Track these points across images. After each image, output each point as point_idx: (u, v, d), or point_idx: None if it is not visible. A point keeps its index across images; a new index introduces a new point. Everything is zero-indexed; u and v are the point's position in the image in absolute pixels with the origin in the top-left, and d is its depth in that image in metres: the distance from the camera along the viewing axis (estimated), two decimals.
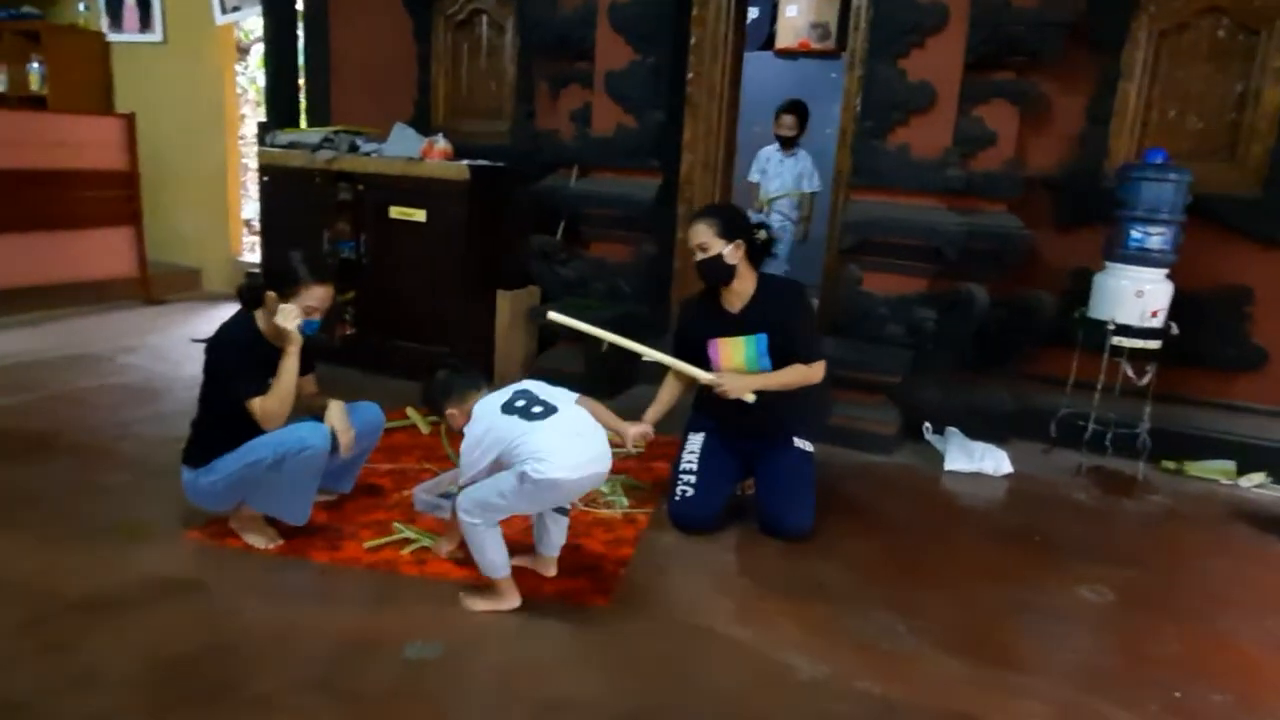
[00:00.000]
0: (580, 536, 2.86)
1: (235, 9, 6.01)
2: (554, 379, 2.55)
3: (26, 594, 2.34)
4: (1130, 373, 3.70)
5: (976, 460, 3.72)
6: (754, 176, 5.71)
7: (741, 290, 2.99)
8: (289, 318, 2.54)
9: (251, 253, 6.61)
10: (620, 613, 2.47)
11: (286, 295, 2.55)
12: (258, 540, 2.65)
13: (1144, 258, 3.61)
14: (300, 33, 5.58)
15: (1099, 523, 3.37)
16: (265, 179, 4.63)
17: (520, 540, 2.65)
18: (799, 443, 3.11)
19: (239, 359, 2.56)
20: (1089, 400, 3.85)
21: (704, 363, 3.04)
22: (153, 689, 1.99)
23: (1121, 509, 3.52)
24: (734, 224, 2.92)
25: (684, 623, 2.43)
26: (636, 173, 4.60)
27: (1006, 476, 3.71)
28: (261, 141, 4.92)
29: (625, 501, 3.17)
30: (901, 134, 4.04)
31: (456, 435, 2.54)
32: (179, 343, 5.01)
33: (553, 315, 3.10)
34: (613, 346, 3.08)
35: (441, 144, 4.34)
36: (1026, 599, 2.72)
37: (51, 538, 2.65)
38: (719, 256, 2.90)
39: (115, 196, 5.74)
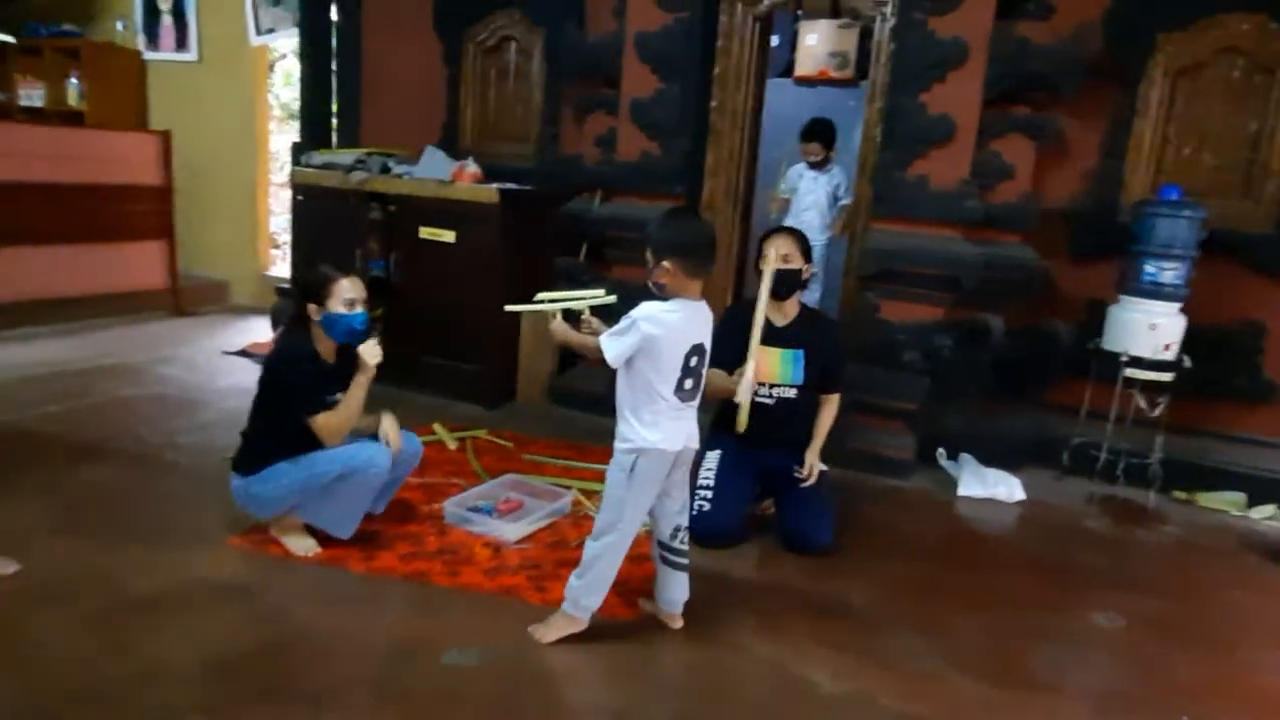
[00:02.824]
0: None
1: (270, 31, 6.18)
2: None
3: (91, 593, 2.46)
4: (1143, 404, 3.78)
5: (990, 486, 3.80)
6: (784, 191, 5.68)
7: (788, 309, 3.20)
8: (370, 354, 2.75)
9: (278, 267, 6.73)
10: (647, 625, 2.55)
11: (322, 299, 2.68)
12: (298, 546, 2.76)
13: (1157, 292, 3.70)
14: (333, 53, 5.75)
15: (1111, 551, 3.44)
16: (299, 198, 4.75)
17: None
18: (819, 463, 3.20)
19: (299, 377, 2.69)
20: (1101, 430, 3.93)
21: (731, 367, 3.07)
22: (210, 685, 2.09)
23: (1133, 538, 3.59)
24: (807, 247, 3.19)
25: (709, 636, 2.51)
26: (660, 197, 4.71)
27: (1019, 503, 3.79)
28: (296, 161, 5.06)
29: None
30: (921, 165, 4.14)
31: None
32: (211, 355, 5.13)
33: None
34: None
35: (472, 168, 4.47)
36: (1042, 623, 2.79)
37: (110, 541, 2.76)
38: (798, 271, 3.10)
39: (149, 211, 5.89)
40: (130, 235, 5.83)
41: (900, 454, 4.03)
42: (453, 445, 3.88)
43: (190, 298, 6.30)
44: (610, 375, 2.32)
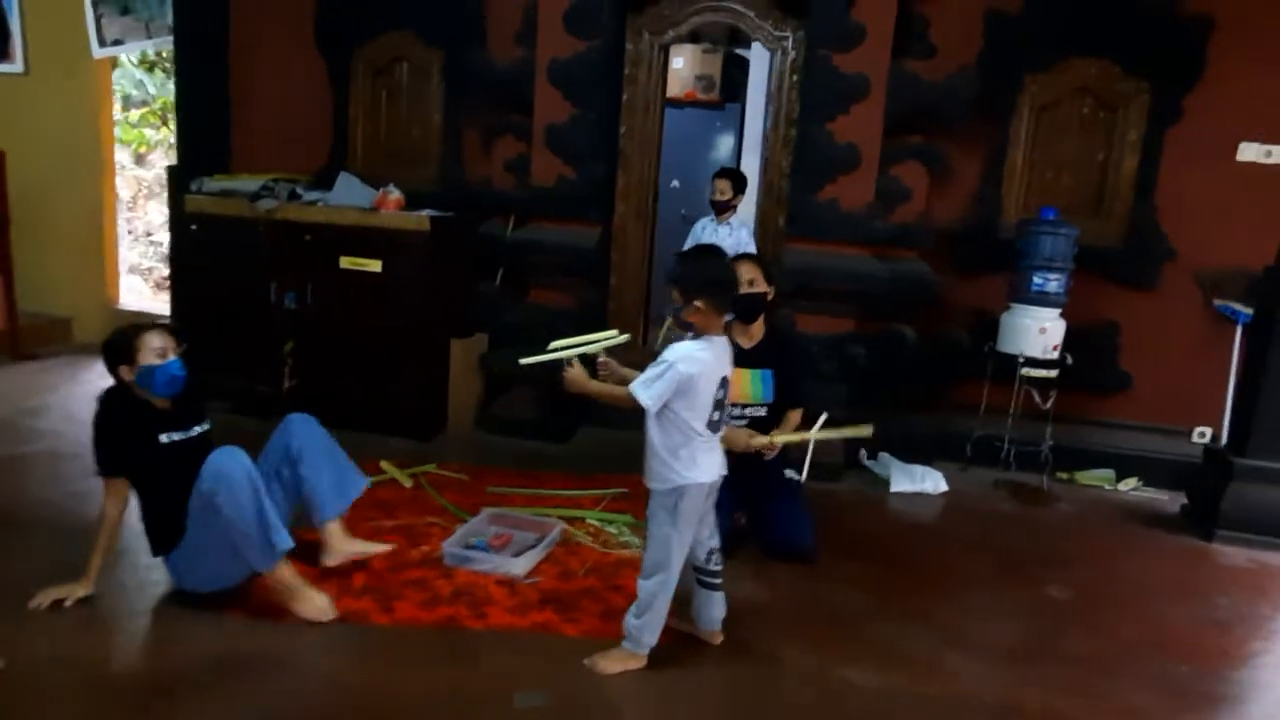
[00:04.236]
0: (613, 579, 3.01)
1: (117, 42, 5.64)
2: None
3: (92, 681, 2.22)
4: (1038, 398, 4.30)
5: (918, 481, 4.19)
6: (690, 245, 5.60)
7: (755, 331, 3.35)
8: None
9: (152, 300, 6.15)
10: (688, 643, 2.63)
11: (131, 358, 2.60)
12: (312, 609, 2.58)
13: (1044, 299, 4.23)
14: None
15: (1029, 530, 3.90)
16: (193, 227, 4.40)
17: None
18: (789, 473, 3.42)
19: (99, 434, 2.64)
20: (995, 423, 4.43)
21: None
22: None
23: (1041, 516, 4.09)
24: (770, 271, 3.35)
25: (744, 649, 2.64)
26: (577, 222, 4.78)
27: (942, 494, 4.20)
28: (180, 186, 4.68)
29: (638, 541, 3.33)
30: (831, 190, 4.49)
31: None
32: (85, 402, 4.61)
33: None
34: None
35: (395, 194, 4.34)
36: (1004, 600, 3.15)
37: (90, 622, 2.50)
38: (763, 294, 3.27)
39: None
40: None
41: (831, 458, 4.33)
42: (408, 483, 3.76)
43: (29, 338, 5.62)
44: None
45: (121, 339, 2.62)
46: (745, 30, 4.87)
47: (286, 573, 2.55)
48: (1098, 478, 4.53)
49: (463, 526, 3.23)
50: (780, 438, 3.14)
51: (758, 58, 7.19)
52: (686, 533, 2.46)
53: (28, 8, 5.74)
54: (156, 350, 2.60)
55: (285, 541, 2.49)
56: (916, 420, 4.65)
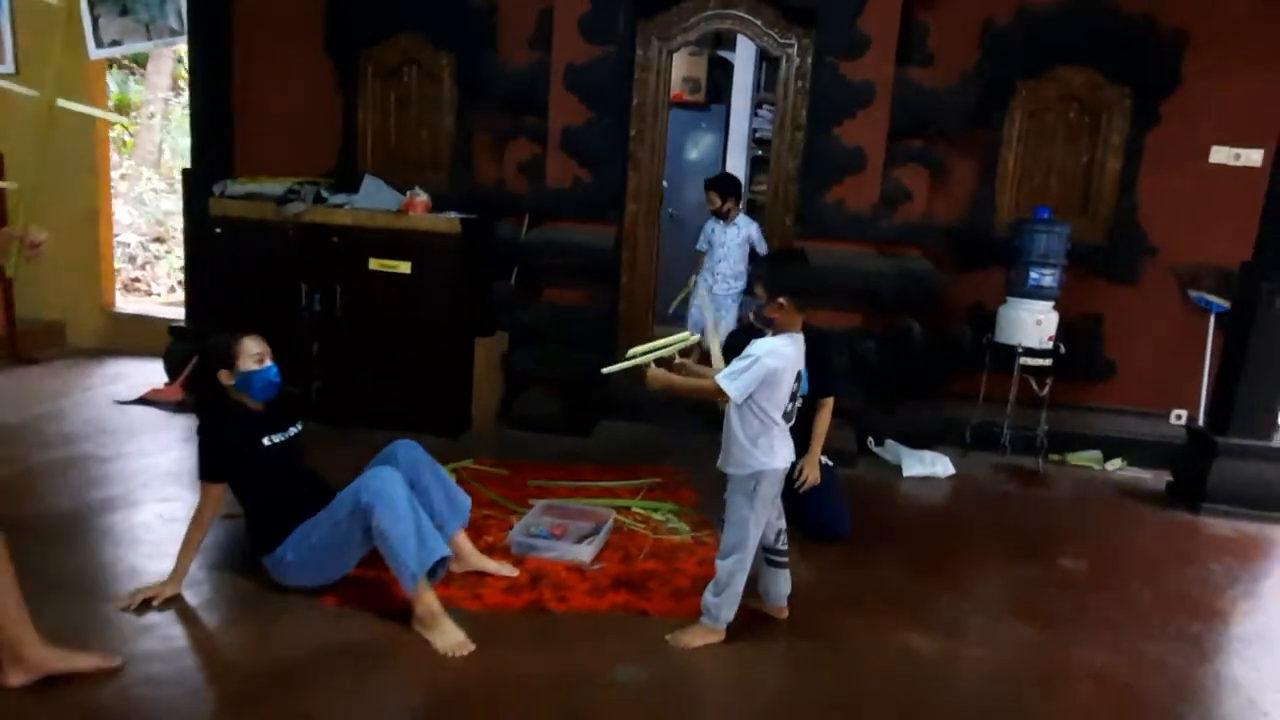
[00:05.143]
0: (672, 562, 3.18)
1: (115, 43, 5.58)
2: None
3: (224, 668, 2.33)
4: (1034, 385, 4.60)
5: (929, 465, 4.44)
6: (701, 245, 5.53)
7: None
8: None
9: (143, 305, 6.10)
10: (748, 619, 2.78)
11: (230, 363, 2.73)
12: (448, 644, 2.50)
13: (1040, 293, 4.52)
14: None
15: (1035, 508, 4.19)
16: (218, 230, 4.43)
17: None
18: (823, 458, 3.63)
19: (216, 442, 2.71)
20: (992, 410, 4.72)
21: None
22: None
23: (1041, 496, 4.38)
24: None
25: (809, 621, 2.84)
26: (594, 223, 4.92)
27: (950, 478, 4.46)
28: (197, 189, 4.70)
29: (686, 527, 3.51)
30: (838, 191, 4.71)
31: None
32: (101, 406, 4.63)
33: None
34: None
35: (422, 197, 4.43)
36: (1028, 571, 3.42)
37: (198, 614, 2.60)
38: None
39: None
40: None
41: (845, 445, 4.57)
42: (450, 478, 3.86)
43: (24, 343, 5.55)
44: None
45: (222, 345, 2.71)
46: (750, 38, 5.08)
47: (428, 597, 2.56)
48: (1087, 459, 4.85)
49: (522, 518, 3.36)
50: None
51: (742, 61, 7.42)
52: (762, 515, 2.65)
53: (19, 7, 5.65)
54: (255, 356, 2.71)
55: (441, 548, 2.60)
56: (918, 409, 4.91)
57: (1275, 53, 4.43)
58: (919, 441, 4.75)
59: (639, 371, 2.65)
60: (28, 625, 2.19)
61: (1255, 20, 4.62)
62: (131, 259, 8.15)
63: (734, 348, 3.51)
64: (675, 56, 7.60)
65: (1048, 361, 4.58)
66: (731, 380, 2.53)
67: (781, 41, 4.93)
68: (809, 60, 4.82)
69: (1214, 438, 4.18)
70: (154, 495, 3.51)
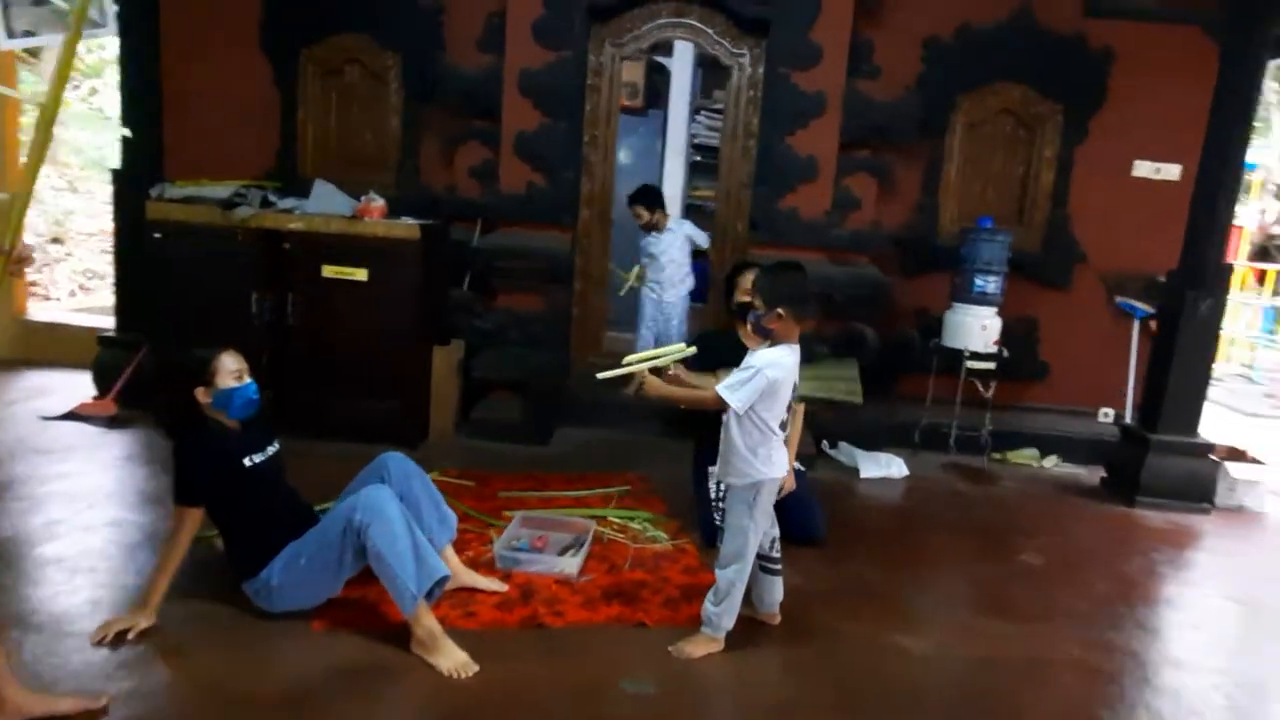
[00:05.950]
0: (658, 571, 3.19)
1: (27, 33, 5.20)
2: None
3: (224, 701, 2.21)
4: (980, 387, 4.79)
5: (884, 467, 4.58)
6: (644, 260, 5.48)
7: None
8: None
9: (55, 313, 5.71)
10: (742, 626, 2.79)
11: (208, 380, 2.62)
12: (451, 665, 2.42)
13: (984, 299, 4.72)
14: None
15: (985, 506, 4.36)
16: (157, 235, 4.19)
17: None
18: (796, 465, 3.69)
19: (199, 467, 2.58)
20: (938, 412, 4.90)
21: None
22: None
23: (992, 493, 4.56)
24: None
25: (803, 625, 2.88)
26: (549, 227, 4.88)
27: (904, 478, 4.60)
28: (129, 190, 4.44)
29: (665, 535, 3.52)
30: (791, 199, 4.81)
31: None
32: (24, 423, 4.32)
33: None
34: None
35: (379, 202, 4.29)
36: (998, 568, 3.56)
37: (180, 646, 2.45)
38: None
39: None
40: None
41: (803, 449, 4.65)
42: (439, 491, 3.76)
43: None
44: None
45: (198, 362, 2.58)
46: (703, 47, 5.12)
47: (428, 619, 2.48)
48: (1026, 456, 5.08)
49: (503, 532, 3.30)
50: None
51: (679, 67, 7.48)
52: (761, 524, 2.68)
53: None
54: (233, 372, 2.59)
55: (441, 567, 2.51)
56: (868, 411, 5.04)
57: (1193, 73, 4.74)
58: (871, 443, 4.89)
59: (632, 380, 2.66)
60: (4, 667, 2.03)
61: (1174, 41, 4.94)
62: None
63: (709, 350, 3.56)
64: None
65: (992, 364, 4.78)
66: (733, 392, 2.55)
67: (734, 51, 4.99)
68: (760, 70, 4.91)
69: (1146, 434, 4.44)
70: (102, 519, 3.30)
